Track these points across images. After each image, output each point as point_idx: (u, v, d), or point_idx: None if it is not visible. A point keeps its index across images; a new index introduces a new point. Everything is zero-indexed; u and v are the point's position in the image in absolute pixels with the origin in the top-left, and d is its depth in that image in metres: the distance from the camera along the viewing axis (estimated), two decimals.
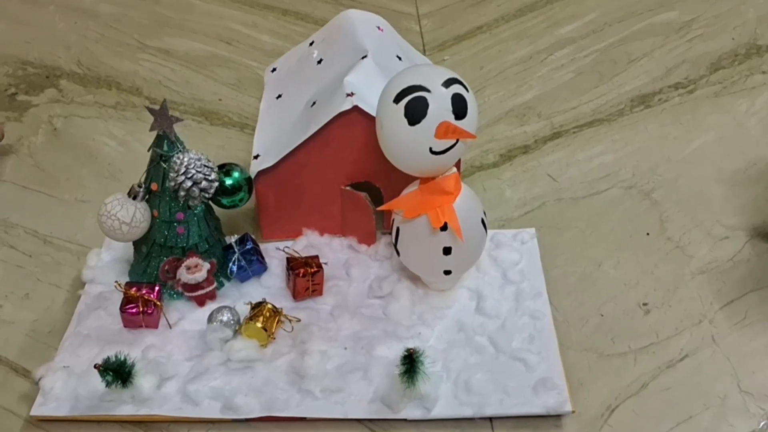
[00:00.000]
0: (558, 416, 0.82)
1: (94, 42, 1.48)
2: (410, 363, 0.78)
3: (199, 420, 0.82)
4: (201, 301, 0.92)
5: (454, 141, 0.81)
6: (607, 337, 0.91)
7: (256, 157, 0.97)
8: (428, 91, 0.79)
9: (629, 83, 1.31)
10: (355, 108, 0.90)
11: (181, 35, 1.47)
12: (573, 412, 0.81)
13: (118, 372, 0.80)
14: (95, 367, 0.79)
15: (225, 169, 0.90)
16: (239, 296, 0.93)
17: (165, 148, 0.84)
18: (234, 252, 0.94)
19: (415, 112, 0.79)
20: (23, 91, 1.36)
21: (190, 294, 0.92)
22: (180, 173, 0.82)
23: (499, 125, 1.24)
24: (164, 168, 0.85)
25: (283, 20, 1.52)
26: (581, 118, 1.24)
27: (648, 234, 1.03)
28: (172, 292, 0.93)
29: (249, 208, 1.05)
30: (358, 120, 0.91)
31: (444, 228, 0.85)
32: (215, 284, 0.92)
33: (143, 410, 0.82)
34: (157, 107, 0.82)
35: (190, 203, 0.85)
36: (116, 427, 0.83)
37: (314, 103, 0.97)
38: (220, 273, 0.95)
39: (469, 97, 0.81)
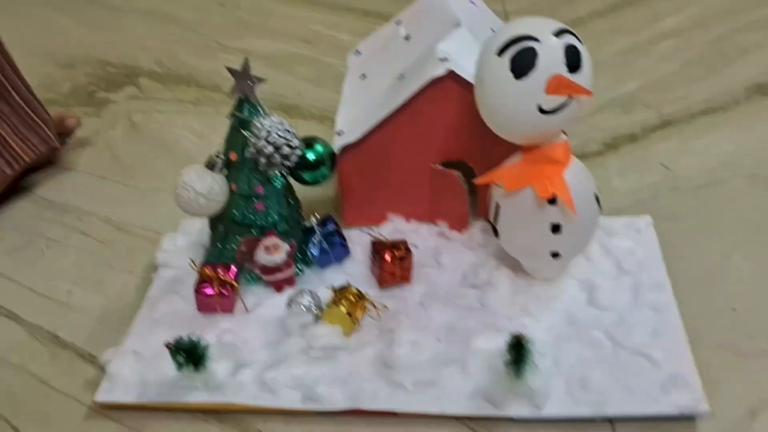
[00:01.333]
0: (691, 419, 0.70)
1: (174, 44, 1.46)
2: (518, 351, 0.68)
3: (278, 411, 0.73)
4: (279, 286, 0.85)
5: (567, 98, 0.71)
6: (744, 333, 0.78)
7: (339, 134, 0.90)
8: (537, 41, 0.70)
9: (742, 73, 1.20)
10: (450, 74, 0.82)
11: (262, 36, 1.43)
12: (711, 413, 0.68)
13: (190, 354, 0.72)
14: (166, 346, 0.72)
15: (307, 142, 0.83)
16: (320, 283, 0.85)
17: (245, 113, 0.78)
18: (315, 234, 0.86)
19: (523, 64, 0.70)
20: (103, 88, 1.34)
21: (268, 277, 0.84)
22: (261, 137, 0.75)
23: (601, 114, 1.14)
24: (244, 135, 0.79)
25: (363, 20, 1.47)
26: (693, 107, 1.13)
27: None
28: (250, 276, 0.85)
29: (330, 195, 0.98)
30: (452, 88, 0.83)
31: (552, 201, 0.75)
32: (294, 268, 0.85)
33: (216, 397, 0.74)
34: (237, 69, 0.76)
35: (270, 172, 0.78)
36: (187, 416, 0.75)
37: (403, 76, 0.89)
38: (299, 259, 0.87)
39: (584, 50, 0.72)
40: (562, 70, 0.70)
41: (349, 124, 0.90)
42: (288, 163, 0.78)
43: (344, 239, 0.88)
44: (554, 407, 0.70)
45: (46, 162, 1.13)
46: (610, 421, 0.70)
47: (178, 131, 1.20)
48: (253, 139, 0.76)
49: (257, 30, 1.45)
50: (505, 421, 0.71)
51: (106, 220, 1.02)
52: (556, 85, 0.70)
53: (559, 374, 0.73)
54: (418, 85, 0.82)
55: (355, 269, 0.87)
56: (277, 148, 0.76)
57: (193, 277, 0.83)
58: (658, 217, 0.92)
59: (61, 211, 1.05)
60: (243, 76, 0.76)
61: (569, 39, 0.71)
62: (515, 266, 0.84)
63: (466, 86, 0.81)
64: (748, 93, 1.15)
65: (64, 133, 1.14)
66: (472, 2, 0.99)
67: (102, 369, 0.79)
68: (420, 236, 0.91)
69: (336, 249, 0.86)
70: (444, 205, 0.90)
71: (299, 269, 0.87)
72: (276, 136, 0.75)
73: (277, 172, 0.80)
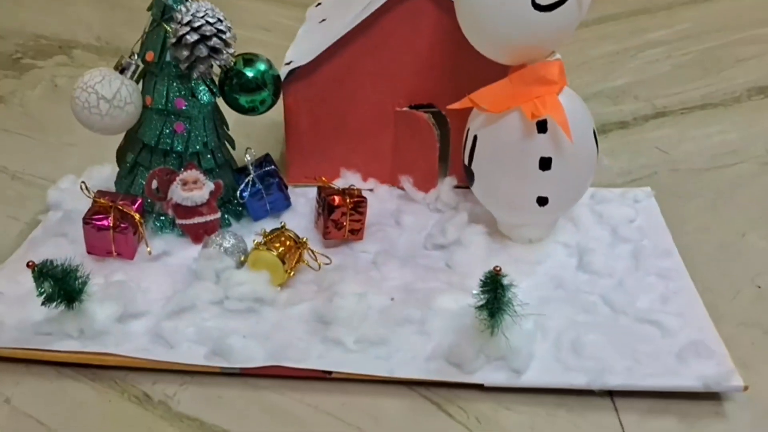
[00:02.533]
0: (717, 398, 0.53)
1: (121, 24, 1.32)
2: (494, 291, 0.52)
3: (173, 367, 0.55)
4: (197, 236, 0.68)
5: None
6: None
7: (287, 64, 0.75)
8: None
9: (742, 77, 1.10)
10: None
11: None
12: (745, 388, 0.52)
13: (62, 282, 0.54)
14: (28, 265, 0.54)
15: (248, 57, 0.68)
16: (250, 234, 0.68)
17: (170, 1, 0.63)
18: (249, 173, 0.69)
19: None
20: (30, 57, 1.19)
21: (184, 221, 0.67)
22: (184, 23, 0.60)
23: (588, 104, 1.01)
24: (166, 30, 0.64)
25: None
26: (689, 102, 1.02)
27: None
28: (161, 222, 0.68)
29: (272, 142, 0.83)
30: (425, 7, 0.70)
31: (543, 129, 0.61)
32: (218, 214, 0.68)
33: (92, 347, 0.55)
34: None
35: (195, 74, 0.62)
36: (50, 371, 0.57)
37: (368, 5, 0.76)
38: (226, 208, 0.70)
39: None
40: None
41: (301, 54, 0.76)
42: (218, 62, 0.63)
43: (285, 185, 0.72)
44: (538, 374, 0.54)
45: None
46: (611, 395, 0.53)
47: (75, 83, 1.05)
48: (174, 25, 0.61)
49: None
50: (474, 389, 0.54)
51: (2, 169, 0.85)
52: None
53: (545, 339, 0.57)
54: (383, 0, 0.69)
55: (294, 223, 0.70)
56: (204, 38, 0.61)
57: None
58: (657, 195, 0.79)
59: None
60: None
61: None
62: (491, 226, 0.69)
63: (442, 3, 0.68)
64: (749, 93, 1.04)
65: None
66: None
67: None
68: (378, 198, 0.76)
69: (273, 194, 0.70)
70: (409, 157, 0.75)
71: (226, 220, 0.70)
72: (204, 22, 0.60)
73: (203, 80, 0.64)
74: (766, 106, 1.01)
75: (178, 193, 0.66)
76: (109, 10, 1.41)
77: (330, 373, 0.55)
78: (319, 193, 0.70)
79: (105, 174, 0.77)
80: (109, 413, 0.54)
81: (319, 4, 0.94)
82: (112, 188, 0.73)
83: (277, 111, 0.75)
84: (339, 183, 0.75)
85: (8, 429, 0.53)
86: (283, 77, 0.72)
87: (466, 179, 0.68)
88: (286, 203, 0.72)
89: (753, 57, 1.17)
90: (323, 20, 0.86)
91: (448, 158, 0.76)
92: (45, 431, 0.52)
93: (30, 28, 1.31)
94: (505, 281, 0.52)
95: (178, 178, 0.67)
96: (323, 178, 0.73)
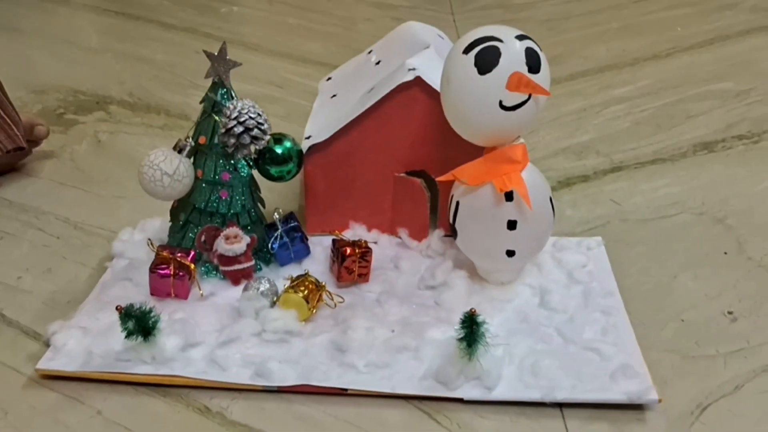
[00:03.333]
0: (640, 409, 0.70)
1: (148, 80, 1.49)
2: (470, 327, 0.69)
3: (225, 386, 0.72)
4: (236, 279, 0.84)
5: (527, 97, 0.75)
6: (691, 340, 0.80)
7: (307, 138, 0.92)
8: (501, 41, 0.75)
9: (690, 133, 1.27)
10: (417, 80, 0.86)
11: (235, 79, 1.47)
12: (660, 401, 0.69)
13: (140, 321, 0.71)
14: (116, 309, 0.70)
15: (277, 137, 0.85)
16: (278, 278, 0.85)
17: (218, 96, 0.80)
18: (276, 229, 0.86)
19: (487, 61, 0.74)
20: (72, 112, 1.35)
21: (226, 268, 0.84)
22: (232, 118, 0.78)
23: (556, 158, 1.19)
24: (215, 120, 0.81)
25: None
26: (642, 157, 1.19)
27: (726, 253, 0.95)
28: (207, 268, 0.85)
29: (294, 199, 1.00)
30: (418, 97, 0.87)
31: (510, 198, 0.78)
32: (253, 262, 0.85)
33: (163, 370, 0.72)
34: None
35: (238, 155, 0.80)
36: (130, 390, 0.73)
37: (373, 88, 0.93)
38: (259, 256, 0.87)
39: (542, 55, 0.77)
40: (523, 69, 0.75)
41: (318, 130, 0.93)
42: (257, 146, 0.80)
43: (305, 237, 0.88)
44: (505, 390, 0.71)
45: (9, 169, 1.13)
46: (560, 406, 0.70)
47: (143, 149, 1.21)
48: (224, 119, 0.78)
49: (231, 73, 1.50)
50: (455, 402, 0.71)
51: (64, 219, 1.01)
52: (516, 82, 0.74)
53: (511, 363, 0.73)
54: (387, 89, 0.86)
55: (314, 268, 0.87)
56: (247, 129, 0.78)
57: (149, 265, 0.83)
58: (608, 242, 0.95)
59: (18, 209, 1.04)
60: (219, 59, 0.79)
61: (530, 44, 0.76)
62: (471, 271, 0.86)
63: (432, 95, 0.85)
64: (694, 149, 1.21)
65: (32, 140, 1.14)
66: (440, 36, 1.05)
67: (47, 345, 0.76)
68: (380, 245, 0.92)
69: (296, 246, 0.87)
70: (405, 213, 0.92)
71: (258, 265, 0.87)
72: (247, 117, 0.78)
73: (244, 158, 0.81)
74: (707, 161, 1.18)
75: (222, 246, 0.83)
76: (136, 64, 1.57)
77: (346, 390, 0.71)
78: (333, 244, 0.87)
79: (156, 226, 0.93)
80: (178, 421, 0.70)
81: (329, 78, 1.11)
82: (163, 237, 0.90)
83: None
84: (348, 234, 0.92)
85: None
86: (304, 150, 0.90)
87: (451, 234, 0.85)
88: (307, 252, 0.89)
89: (702, 113, 1.34)
90: (334, 95, 1.03)
91: (437, 214, 0.93)
92: None
93: (67, 83, 1.47)
94: (479, 319, 0.69)
95: (222, 234, 0.83)
96: (336, 231, 0.90)
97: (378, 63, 1.02)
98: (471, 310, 0.69)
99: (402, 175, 0.91)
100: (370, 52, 1.08)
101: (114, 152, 1.21)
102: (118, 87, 1.45)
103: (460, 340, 0.69)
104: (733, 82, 1.46)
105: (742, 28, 1.75)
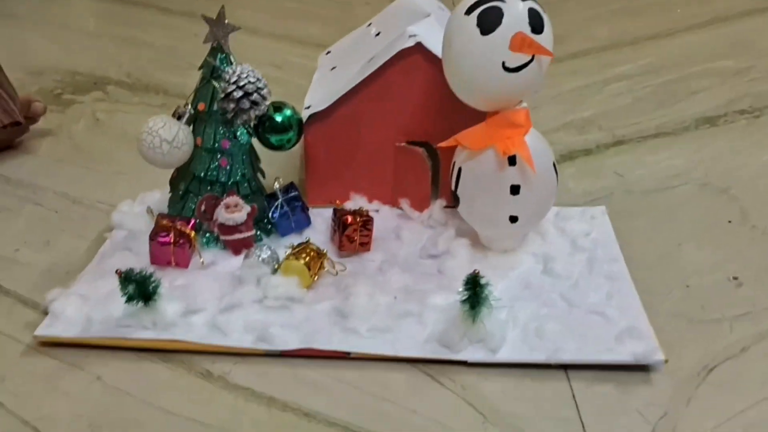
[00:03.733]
0: (646, 370, 0.69)
1: (146, 62, 1.48)
2: (474, 288, 0.68)
3: (227, 350, 0.71)
4: (237, 249, 0.83)
5: (530, 58, 0.74)
6: (696, 305, 0.79)
7: (307, 108, 0.91)
8: (503, 1, 0.74)
9: (692, 108, 1.26)
10: (418, 47, 0.85)
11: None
12: (666, 361, 0.68)
13: (140, 285, 0.70)
14: (116, 273, 0.70)
15: (276, 105, 0.84)
16: (279, 247, 0.84)
17: (218, 61, 0.79)
18: (277, 198, 0.86)
19: (489, 21, 0.74)
20: (69, 92, 1.35)
21: (226, 237, 0.83)
22: (231, 82, 0.77)
23: (558, 133, 1.18)
24: (214, 87, 0.80)
25: None
26: (645, 131, 1.19)
27: (730, 222, 0.94)
28: (207, 238, 0.84)
29: (294, 173, 0.99)
30: (420, 64, 0.86)
31: (513, 162, 0.77)
32: (254, 231, 0.84)
33: (164, 336, 0.71)
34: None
35: (238, 122, 0.79)
36: (131, 355, 0.72)
37: (373, 57, 0.92)
38: (259, 227, 0.86)
39: (545, 16, 0.76)
40: (526, 29, 0.74)
41: (318, 100, 0.92)
42: (257, 112, 0.79)
43: (306, 207, 0.88)
44: (509, 352, 0.70)
45: (6, 146, 1.12)
46: (565, 368, 0.70)
47: (142, 127, 1.20)
48: (223, 84, 0.77)
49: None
50: (460, 365, 0.70)
51: (62, 194, 1.01)
52: (519, 42, 0.73)
53: (515, 326, 0.73)
54: (387, 56, 0.85)
55: (315, 239, 0.86)
56: (247, 94, 0.77)
57: (148, 234, 0.82)
58: (612, 213, 0.95)
59: (16, 185, 1.03)
60: (217, 24, 0.78)
61: (532, 4, 0.75)
62: (474, 239, 0.85)
63: (433, 61, 0.84)
64: (696, 123, 1.21)
65: (29, 117, 1.13)
66: (441, 8, 1.04)
67: (45, 313, 0.76)
68: (381, 216, 0.91)
69: (297, 215, 0.86)
70: (407, 183, 0.91)
71: (259, 236, 0.86)
72: (247, 81, 0.77)
73: (243, 125, 0.81)
74: (710, 135, 1.18)
75: (222, 215, 0.82)
76: (134, 48, 1.56)
77: (349, 353, 0.70)
78: (334, 213, 0.86)
79: (156, 198, 0.92)
80: (180, 385, 0.69)
81: (329, 52, 1.10)
82: (164, 209, 0.89)
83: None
84: (350, 205, 0.91)
85: (102, 399, 0.68)
86: (304, 120, 0.89)
87: (453, 202, 0.84)
88: (308, 222, 0.88)
89: (704, 89, 1.33)
90: (334, 68, 1.02)
91: (439, 184, 0.92)
92: (132, 400, 0.68)
93: (65, 65, 1.46)
94: (482, 281, 0.68)
95: (222, 203, 0.83)
96: (337, 201, 0.89)
97: (378, 35, 1.01)
98: (474, 270, 0.68)
99: (403, 144, 0.90)
100: (369, 25, 1.07)
101: (112, 130, 1.20)
102: (116, 69, 1.44)
103: (464, 302, 0.68)
104: (733, 61, 1.46)
105: (740, 9, 1.74)
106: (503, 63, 0.74)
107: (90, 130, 1.20)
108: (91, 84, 1.37)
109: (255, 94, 0.78)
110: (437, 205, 0.90)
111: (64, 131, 1.19)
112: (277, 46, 1.56)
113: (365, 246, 0.85)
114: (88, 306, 0.75)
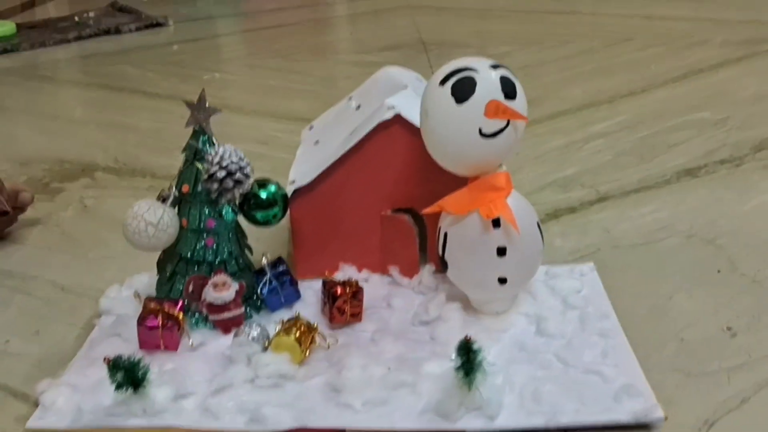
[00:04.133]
0: (647, 429, 0.68)
1: (133, 146, 1.50)
2: (467, 354, 0.67)
3: None
4: (226, 328, 0.83)
5: (505, 123, 0.76)
6: (692, 358, 0.78)
7: (291, 183, 0.92)
8: (475, 71, 0.76)
9: (672, 161, 1.28)
10: (397, 118, 0.87)
11: (221, 139, 1.49)
12: (666, 418, 0.67)
13: (130, 372, 0.69)
14: (104, 360, 0.69)
15: (261, 182, 0.85)
16: (269, 323, 0.84)
17: (200, 144, 0.81)
18: (266, 274, 0.86)
19: (463, 90, 0.75)
20: (57, 180, 1.36)
21: (215, 317, 0.82)
22: (215, 163, 0.78)
23: (542, 193, 1.20)
24: (198, 168, 0.81)
25: None
26: (627, 186, 1.20)
27: (719, 271, 0.94)
28: (196, 319, 0.84)
29: (282, 248, 0.99)
30: (400, 134, 0.87)
31: (497, 224, 0.78)
32: (243, 308, 0.83)
33: (155, 422, 0.70)
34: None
35: (222, 201, 0.79)
36: None
37: (354, 130, 0.94)
38: (249, 303, 0.86)
39: (518, 83, 0.78)
40: (499, 96, 0.76)
41: (302, 174, 0.93)
42: (241, 190, 0.80)
43: (295, 281, 0.88)
44: (507, 419, 0.69)
45: None
46: (565, 431, 0.69)
47: (126, 213, 1.20)
48: (206, 165, 0.78)
49: (216, 135, 1.51)
50: None
51: (51, 282, 1.00)
52: (494, 109, 0.75)
53: (512, 391, 0.72)
54: (368, 128, 0.87)
55: (306, 312, 0.85)
56: (230, 173, 0.78)
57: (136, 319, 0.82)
58: (600, 269, 0.95)
59: (5, 276, 1.03)
60: (199, 108, 0.80)
61: (505, 72, 0.77)
62: (465, 303, 0.85)
63: (413, 131, 0.86)
64: (678, 175, 1.23)
65: (17, 207, 1.14)
66: (419, 79, 1.07)
67: (36, 405, 0.74)
68: (372, 285, 0.91)
69: (287, 290, 0.86)
70: (395, 250, 0.91)
71: (248, 313, 0.85)
72: (229, 161, 0.78)
73: (228, 203, 0.81)
74: (692, 186, 1.19)
75: (210, 294, 0.82)
76: (120, 133, 1.59)
77: (344, 430, 0.69)
78: (324, 285, 0.86)
79: (144, 281, 0.92)
80: None
81: (311, 126, 1.12)
82: (152, 292, 0.89)
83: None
84: (339, 275, 0.91)
85: None
86: (289, 195, 0.89)
87: (442, 267, 0.84)
88: (297, 296, 0.88)
89: (683, 142, 1.36)
90: (317, 142, 1.04)
91: (426, 249, 0.93)
92: None
93: (52, 154, 1.48)
94: (475, 347, 0.68)
95: (209, 282, 0.83)
96: (327, 272, 0.89)
97: (358, 107, 1.03)
98: (466, 337, 0.67)
99: (389, 213, 0.91)
100: (350, 99, 1.09)
101: (100, 216, 1.20)
102: (103, 154, 1.46)
103: (458, 369, 0.67)
104: (710, 112, 1.49)
105: (714, 62, 1.80)
106: (480, 129, 0.76)
107: (78, 217, 1.21)
108: (79, 171, 1.39)
109: (238, 173, 0.79)
110: (426, 271, 0.90)
111: (52, 219, 1.20)
112: (261, 123, 1.58)
113: (356, 317, 0.84)
114: (78, 395, 0.74)
